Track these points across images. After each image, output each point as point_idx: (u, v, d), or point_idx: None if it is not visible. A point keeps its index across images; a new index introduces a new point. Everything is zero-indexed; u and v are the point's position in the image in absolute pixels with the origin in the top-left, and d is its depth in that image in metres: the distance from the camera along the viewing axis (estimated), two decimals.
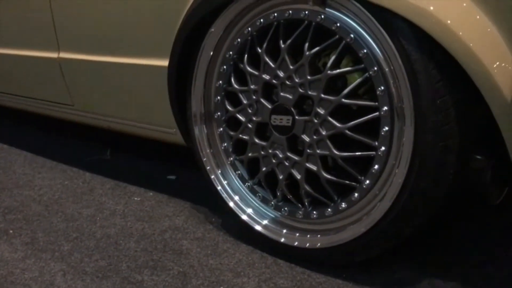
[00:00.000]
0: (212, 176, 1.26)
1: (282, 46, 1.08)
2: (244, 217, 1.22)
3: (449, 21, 0.87)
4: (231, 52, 1.20)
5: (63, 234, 1.35)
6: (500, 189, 1.15)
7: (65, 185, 1.70)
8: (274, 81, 1.11)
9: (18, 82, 1.94)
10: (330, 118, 1.04)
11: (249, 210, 1.22)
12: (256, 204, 1.22)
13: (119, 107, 1.58)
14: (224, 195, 1.24)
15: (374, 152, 1.01)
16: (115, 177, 1.75)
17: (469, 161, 1.02)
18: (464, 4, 0.88)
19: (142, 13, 1.35)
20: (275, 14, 1.10)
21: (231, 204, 1.24)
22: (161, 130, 1.49)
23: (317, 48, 1.04)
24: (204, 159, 1.28)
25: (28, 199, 1.59)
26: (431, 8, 0.87)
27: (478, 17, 0.88)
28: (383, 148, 1.00)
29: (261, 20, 1.12)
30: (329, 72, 1.02)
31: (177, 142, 1.47)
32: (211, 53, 1.23)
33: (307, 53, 1.04)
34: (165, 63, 1.31)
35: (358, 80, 1.00)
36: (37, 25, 1.68)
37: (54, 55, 1.67)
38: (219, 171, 1.26)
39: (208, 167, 1.27)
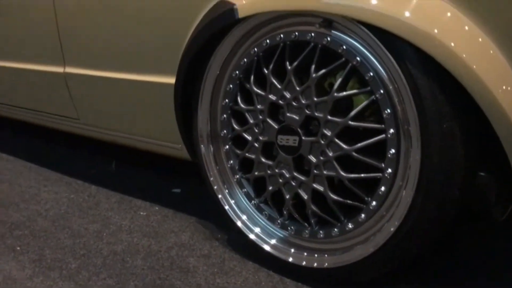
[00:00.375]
0: (220, 196, 1.27)
1: (289, 68, 1.09)
2: (252, 236, 1.23)
3: (452, 44, 0.87)
4: (237, 72, 1.20)
5: (70, 251, 1.36)
6: (505, 205, 1.16)
7: (71, 199, 1.71)
8: (280, 101, 1.12)
9: (24, 95, 1.95)
10: (337, 140, 1.04)
11: (257, 229, 1.23)
12: (264, 223, 1.23)
13: (125, 122, 1.59)
14: (232, 215, 1.25)
15: (380, 174, 1.02)
16: (120, 190, 1.76)
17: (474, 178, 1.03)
18: (466, 27, 0.89)
19: (148, 30, 1.35)
20: (281, 36, 1.10)
21: (239, 223, 1.25)
22: (167, 145, 1.50)
23: (323, 71, 1.04)
24: (211, 178, 1.28)
25: (35, 214, 1.60)
26: (435, 31, 0.88)
27: (480, 39, 0.88)
28: (389, 170, 1.00)
29: (267, 41, 1.13)
30: (335, 94, 1.03)
31: (183, 157, 1.48)
32: (218, 72, 1.24)
33: (314, 75, 1.05)
34: (171, 80, 1.32)
35: (364, 103, 1.01)
36: (43, 40, 1.69)
37: (59, 69, 1.68)
38: (226, 191, 1.27)
39: (215, 187, 1.28)
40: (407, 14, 0.90)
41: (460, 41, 0.88)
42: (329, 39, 1.03)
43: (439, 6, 0.90)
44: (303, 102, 1.08)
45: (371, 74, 0.99)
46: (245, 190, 1.26)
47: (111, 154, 2.05)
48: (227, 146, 1.27)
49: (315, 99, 1.06)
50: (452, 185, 0.95)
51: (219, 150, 1.30)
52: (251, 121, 1.19)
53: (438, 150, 0.93)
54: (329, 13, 1.00)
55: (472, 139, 0.95)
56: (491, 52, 0.88)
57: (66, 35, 1.61)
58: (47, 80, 1.77)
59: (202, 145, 1.29)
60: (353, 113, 1.02)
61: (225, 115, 1.26)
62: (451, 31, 0.89)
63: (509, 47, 0.88)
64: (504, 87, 0.87)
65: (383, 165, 1.01)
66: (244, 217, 1.25)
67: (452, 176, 0.94)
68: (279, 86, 1.11)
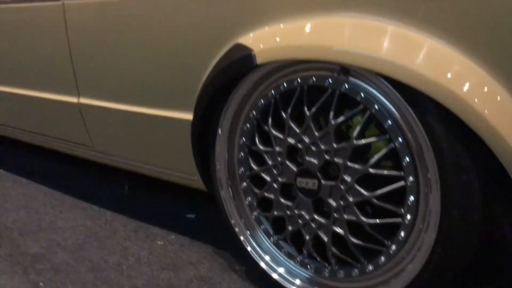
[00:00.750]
0: (242, 238, 1.29)
1: (307, 113, 1.10)
2: (275, 276, 1.25)
3: (468, 96, 0.88)
4: (254, 112, 1.22)
5: (92, 286, 1.38)
6: None
7: (87, 227, 1.73)
8: (299, 145, 1.14)
9: (39, 121, 1.97)
10: (357, 186, 1.06)
11: (281, 269, 1.25)
12: (285, 261, 1.24)
13: (140, 153, 1.61)
14: (255, 256, 1.27)
15: (400, 220, 1.04)
16: (135, 216, 1.78)
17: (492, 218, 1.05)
18: (482, 79, 0.89)
19: (164, 67, 1.37)
20: (299, 80, 1.12)
21: (262, 264, 1.26)
22: (182, 176, 1.52)
23: (342, 118, 1.06)
24: (233, 221, 1.30)
25: (54, 244, 1.62)
26: (450, 83, 0.89)
27: (496, 91, 0.89)
28: (409, 216, 1.02)
29: (285, 84, 1.14)
30: (355, 142, 1.05)
31: (199, 187, 1.50)
32: (234, 111, 1.25)
33: (332, 122, 1.07)
34: (188, 116, 1.34)
35: (383, 151, 1.03)
36: (58, 70, 1.71)
37: (74, 100, 1.70)
38: (248, 232, 1.29)
39: (237, 229, 1.30)
40: (421, 65, 0.91)
41: (476, 93, 0.89)
42: (347, 86, 1.05)
43: (452, 57, 0.91)
44: (322, 147, 1.10)
45: (390, 122, 1.01)
46: (263, 227, 1.28)
47: (123, 174, 2.06)
48: (245, 184, 1.29)
49: (334, 145, 1.08)
50: (472, 233, 0.97)
51: (236, 187, 1.32)
52: (270, 162, 1.21)
53: (457, 201, 0.95)
54: (345, 63, 1.01)
55: (492, 189, 0.96)
56: (507, 103, 0.89)
57: (80, 67, 1.63)
58: (61, 109, 1.78)
59: (221, 190, 1.32)
60: (372, 160, 1.04)
61: (242, 153, 1.27)
62: (465, 82, 0.89)
63: None
64: None
65: (402, 211, 1.03)
66: (267, 258, 1.26)
67: (472, 226, 0.96)
68: (297, 131, 1.13)
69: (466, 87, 0.89)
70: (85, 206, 1.90)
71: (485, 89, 0.90)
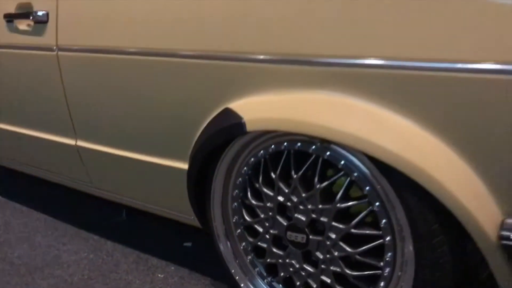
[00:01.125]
0: (242, 285, 1.41)
1: (294, 176, 1.22)
2: None
3: (438, 175, 0.98)
4: (245, 168, 1.33)
5: None
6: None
7: (90, 260, 1.84)
8: (288, 203, 1.26)
9: (38, 157, 2.04)
10: (341, 243, 1.19)
11: None
12: None
13: (138, 192, 1.71)
14: None
15: (380, 271, 1.17)
16: (134, 246, 1.90)
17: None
18: (451, 159, 0.99)
19: (159, 119, 1.45)
20: (286, 144, 1.23)
21: None
22: (179, 215, 1.63)
23: (326, 183, 1.18)
24: (233, 270, 1.42)
25: (61, 281, 1.73)
26: (417, 160, 0.99)
27: (464, 170, 0.98)
28: (387, 269, 1.15)
29: (273, 146, 1.25)
30: (338, 205, 1.17)
31: (196, 225, 1.62)
32: (227, 167, 1.36)
33: (317, 186, 1.18)
34: (183, 165, 1.44)
35: (363, 214, 1.15)
36: (55, 115, 1.78)
37: (72, 142, 1.78)
38: (248, 282, 1.41)
39: (237, 277, 1.42)
40: (388, 141, 1.01)
41: (444, 171, 0.99)
42: (329, 153, 1.16)
43: (417, 134, 1.00)
44: (309, 207, 1.22)
45: (368, 188, 1.13)
46: (257, 269, 1.40)
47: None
48: (239, 231, 1.41)
49: (320, 206, 1.19)
50: (444, 280, 1.10)
51: (232, 232, 1.43)
52: (261, 215, 1.32)
53: (429, 262, 1.08)
54: (323, 138, 1.12)
55: (461, 249, 1.09)
56: (473, 180, 0.99)
57: (76, 112, 1.71)
58: (60, 149, 1.87)
59: (220, 244, 1.44)
60: (354, 222, 1.16)
61: (236, 204, 1.39)
62: (430, 158, 0.99)
63: (489, 175, 0.98)
64: (484, 212, 1.00)
65: (381, 264, 1.16)
66: None
67: (443, 281, 1.09)
68: (286, 190, 1.25)
69: (431, 162, 1.00)
70: (86, 236, 2.00)
71: (447, 162, 1.00)
